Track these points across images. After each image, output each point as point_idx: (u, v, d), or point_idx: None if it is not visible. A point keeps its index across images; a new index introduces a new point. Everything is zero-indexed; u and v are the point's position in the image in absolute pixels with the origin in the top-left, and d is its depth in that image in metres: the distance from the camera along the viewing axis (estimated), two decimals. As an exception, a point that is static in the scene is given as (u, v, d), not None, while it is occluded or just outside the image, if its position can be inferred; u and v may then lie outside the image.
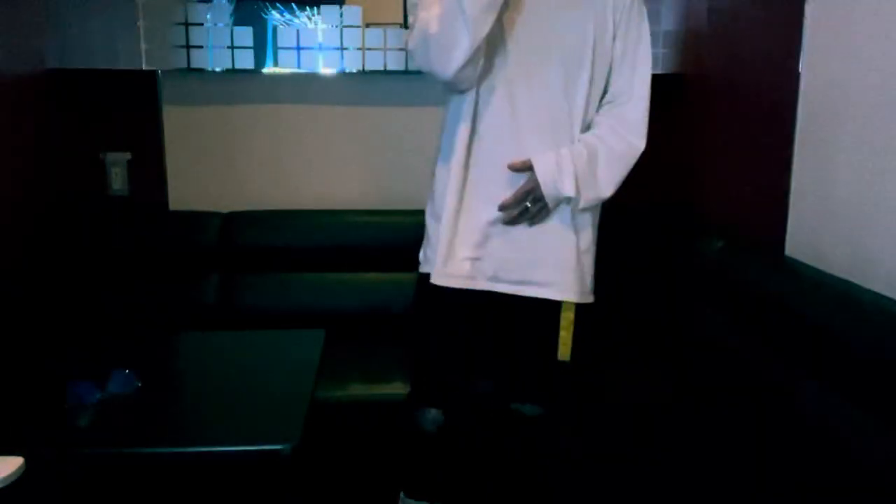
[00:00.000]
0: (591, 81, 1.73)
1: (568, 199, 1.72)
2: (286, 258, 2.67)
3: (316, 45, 2.70)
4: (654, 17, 2.72)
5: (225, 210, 2.71)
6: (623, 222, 2.76)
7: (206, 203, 2.73)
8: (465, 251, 1.74)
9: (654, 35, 2.73)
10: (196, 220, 2.69)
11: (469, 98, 1.71)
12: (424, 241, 1.84)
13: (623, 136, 1.77)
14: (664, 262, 2.58)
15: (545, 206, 1.70)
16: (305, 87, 2.76)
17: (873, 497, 1.44)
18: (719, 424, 1.97)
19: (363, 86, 2.77)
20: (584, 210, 1.78)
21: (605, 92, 1.80)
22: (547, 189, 1.68)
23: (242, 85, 2.74)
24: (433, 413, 1.87)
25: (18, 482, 1.25)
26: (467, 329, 1.82)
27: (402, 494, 2.01)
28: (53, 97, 2.62)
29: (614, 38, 1.75)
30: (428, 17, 1.59)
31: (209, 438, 1.47)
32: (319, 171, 2.82)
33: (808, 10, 1.96)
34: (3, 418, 1.52)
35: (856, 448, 1.53)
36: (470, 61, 1.60)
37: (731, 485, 1.70)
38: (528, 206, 1.69)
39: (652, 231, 2.69)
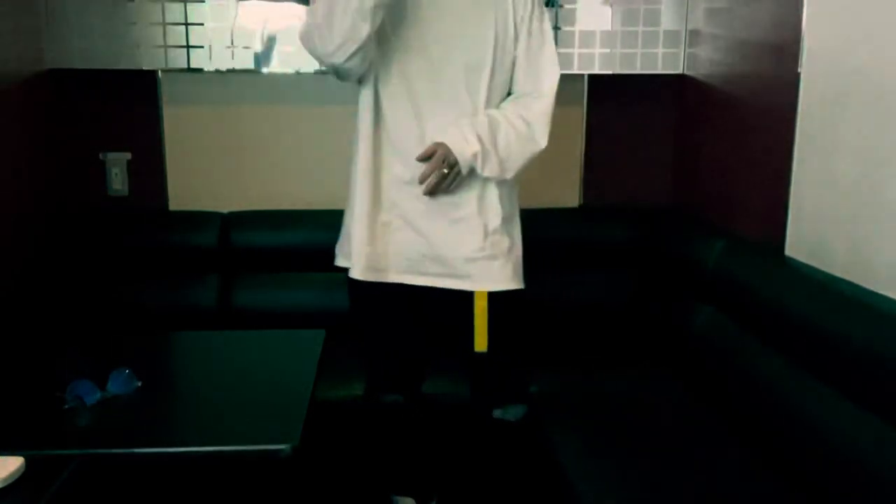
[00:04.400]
0: (492, 82, 1.78)
1: (473, 166, 1.74)
2: (286, 258, 2.67)
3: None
4: (654, 17, 2.72)
5: (225, 210, 2.71)
6: (623, 222, 2.77)
7: (206, 203, 2.73)
8: (383, 244, 1.80)
9: (653, 35, 2.78)
10: (196, 220, 2.68)
11: (368, 96, 1.76)
12: (341, 236, 1.91)
13: (526, 122, 1.80)
14: (664, 262, 2.58)
15: (459, 170, 1.73)
16: (305, 87, 2.76)
17: (873, 497, 1.44)
18: (719, 424, 1.97)
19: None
20: (490, 184, 1.80)
21: (509, 92, 1.84)
22: (457, 149, 1.71)
23: (243, 85, 2.74)
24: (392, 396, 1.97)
25: (18, 482, 1.25)
26: (394, 319, 1.89)
27: (392, 497, 2.03)
28: (53, 97, 2.62)
29: (516, 38, 1.79)
30: (316, 6, 1.64)
31: (209, 438, 1.47)
32: (319, 171, 2.81)
33: (808, 10, 1.96)
34: (3, 418, 1.52)
35: (856, 448, 1.53)
36: (357, 51, 1.63)
37: (731, 484, 1.70)
38: (445, 172, 1.72)
39: (652, 231, 2.69)
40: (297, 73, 2.72)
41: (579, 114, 2.83)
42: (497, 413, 1.91)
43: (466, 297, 1.81)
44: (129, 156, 2.73)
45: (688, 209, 2.74)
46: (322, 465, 2.13)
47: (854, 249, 1.77)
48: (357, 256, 1.80)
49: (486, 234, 1.79)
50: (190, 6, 2.64)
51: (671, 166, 2.87)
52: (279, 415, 1.55)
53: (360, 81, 1.77)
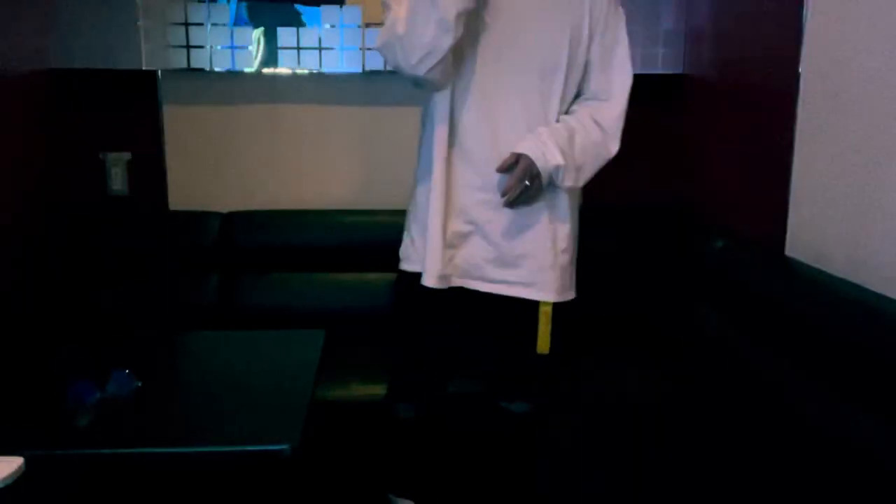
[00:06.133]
0: (566, 85, 1.77)
1: (553, 178, 1.74)
2: (286, 258, 2.67)
3: (316, 45, 2.70)
4: (653, 17, 2.72)
5: (225, 210, 2.71)
6: (623, 222, 2.77)
7: (206, 203, 2.73)
8: (451, 252, 1.78)
9: (653, 35, 2.78)
10: (196, 220, 2.68)
11: (444, 103, 1.74)
12: (405, 241, 1.87)
13: (599, 127, 1.79)
14: (664, 262, 2.58)
15: (541, 183, 1.73)
16: (305, 87, 2.76)
17: (873, 497, 1.44)
18: (718, 424, 1.97)
19: (363, 86, 2.77)
20: (560, 193, 1.79)
21: (578, 94, 1.82)
22: (539, 162, 1.70)
23: (243, 85, 2.74)
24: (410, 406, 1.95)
25: (18, 482, 1.25)
26: (451, 327, 1.86)
27: (389, 496, 2.03)
28: (53, 97, 2.62)
29: (590, 41, 1.77)
30: (396, 16, 1.62)
31: (209, 438, 1.47)
32: (319, 171, 2.82)
33: (808, 9, 1.96)
34: (3, 418, 1.52)
35: (856, 448, 1.53)
36: (439, 62, 1.62)
37: (730, 483, 1.70)
38: (528, 184, 1.71)
39: (652, 231, 2.69)
40: (297, 73, 2.72)
41: (579, 114, 2.83)
42: (504, 403, 1.93)
43: (529, 303, 1.81)
44: (129, 156, 2.73)
45: (688, 209, 2.74)
46: (322, 465, 2.13)
47: (854, 249, 1.77)
48: (433, 264, 1.76)
49: (554, 243, 1.80)
50: (190, 6, 2.65)
51: (671, 166, 2.87)
52: (279, 415, 1.54)
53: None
